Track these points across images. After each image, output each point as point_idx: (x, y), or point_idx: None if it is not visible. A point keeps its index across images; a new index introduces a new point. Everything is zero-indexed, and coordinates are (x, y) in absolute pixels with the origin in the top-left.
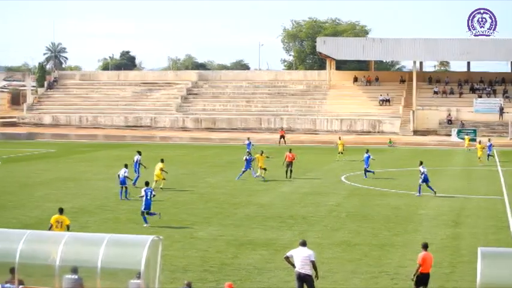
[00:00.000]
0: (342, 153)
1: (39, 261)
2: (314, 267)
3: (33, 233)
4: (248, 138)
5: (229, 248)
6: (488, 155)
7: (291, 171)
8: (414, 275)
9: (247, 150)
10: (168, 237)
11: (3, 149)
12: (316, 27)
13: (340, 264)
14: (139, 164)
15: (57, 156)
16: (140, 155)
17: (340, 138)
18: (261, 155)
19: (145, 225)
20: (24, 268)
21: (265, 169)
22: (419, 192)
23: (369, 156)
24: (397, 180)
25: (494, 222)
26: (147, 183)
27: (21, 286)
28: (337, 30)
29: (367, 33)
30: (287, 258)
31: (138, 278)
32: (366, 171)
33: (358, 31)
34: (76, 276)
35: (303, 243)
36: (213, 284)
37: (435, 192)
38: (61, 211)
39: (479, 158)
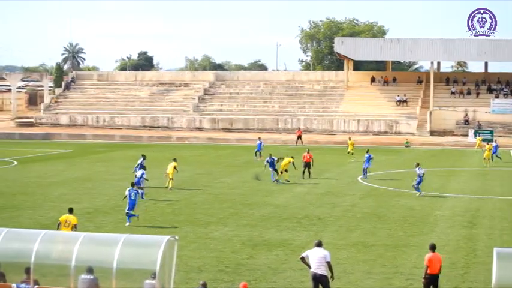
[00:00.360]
0: (352, 153)
1: (54, 262)
2: (329, 267)
3: (49, 233)
4: (259, 138)
5: (245, 248)
6: (493, 156)
7: (309, 172)
8: (423, 277)
9: (258, 150)
10: (183, 237)
11: (20, 149)
12: (333, 27)
13: (354, 265)
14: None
15: (73, 157)
16: (145, 159)
17: (350, 139)
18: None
19: (127, 224)
20: (40, 268)
21: (286, 170)
22: (419, 191)
23: (369, 156)
24: (412, 181)
25: (510, 223)
26: (132, 184)
27: (36, 286)
28: (354, 30)
29: (385, 34)
30: (303, 259)
31: (154, 278)
32: (365, 170)
33: (375, 32)
34: (92, 276)
35: (319, 244)
36: (228, 285)
37: (420, 194)
38: (70, 211)
39: (484, 158)
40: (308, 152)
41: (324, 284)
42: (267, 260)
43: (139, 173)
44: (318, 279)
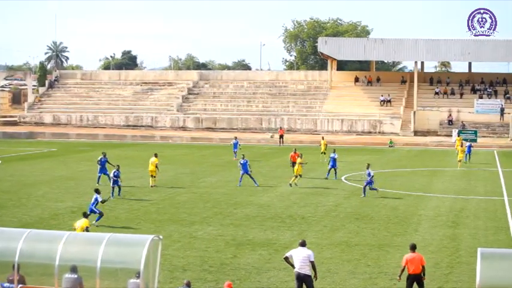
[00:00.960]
0: (324, 153)
1: (38, 261)
2: (313, 267)
3: (33, 232)
4: (235, 138)
5: (229, 247)
6: (467, 155)
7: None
8: (399, 276)
9: (234, 150)
10: (167, 236)
11: (4, 148)
12: (317, 27)
13: (339, 265)
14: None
15: (57, 156)
16: (105, 156)
17: (323, 138)
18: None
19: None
20: (24, 267)
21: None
22: (364, 193)
23: (334, 157)
24: (397, 180)
25: (493, 223)
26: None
27: (20, 285)
28: (338, 30)
29: (369, 34)
30: (286, 259)
31: (138, 277)
32: (329, 171)
33: (359, 31)
34: (76, 276)
35: (303, 244)
36: (213, 284)
37: (365, 195)
38: (85, 215)
39: (459, 160)
40: (295, 152)
41: (308, 284)
42: (251, 260)
43: (111, 172)
44: (302, 278)
